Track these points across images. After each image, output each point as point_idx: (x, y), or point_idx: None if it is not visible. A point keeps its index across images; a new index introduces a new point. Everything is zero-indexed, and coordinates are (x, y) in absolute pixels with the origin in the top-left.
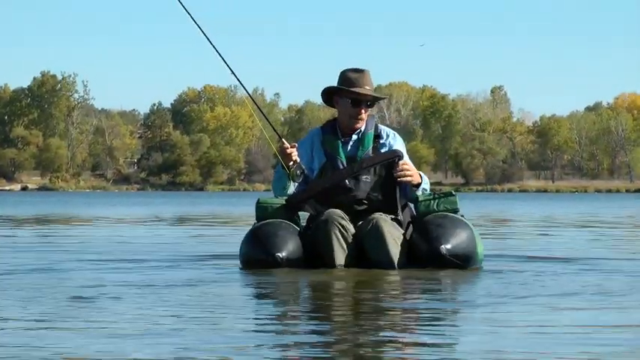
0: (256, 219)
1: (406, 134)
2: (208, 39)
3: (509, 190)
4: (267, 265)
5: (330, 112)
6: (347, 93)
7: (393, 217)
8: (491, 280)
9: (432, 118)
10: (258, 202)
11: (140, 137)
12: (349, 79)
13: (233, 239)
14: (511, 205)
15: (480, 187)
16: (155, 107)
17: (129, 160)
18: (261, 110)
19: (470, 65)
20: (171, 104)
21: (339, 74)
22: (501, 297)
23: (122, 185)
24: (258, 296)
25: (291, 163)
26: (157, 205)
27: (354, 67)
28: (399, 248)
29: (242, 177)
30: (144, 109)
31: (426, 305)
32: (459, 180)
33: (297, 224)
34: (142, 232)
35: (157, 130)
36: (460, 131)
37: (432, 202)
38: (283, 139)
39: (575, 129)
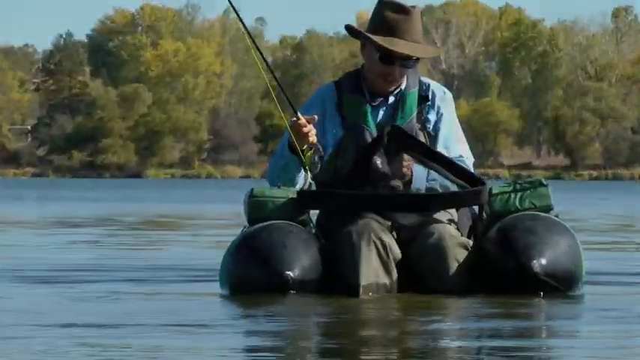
0: (249, 221)
1: (474, 85)
2: None
3: None
4: (272, 287)
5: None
6: (375, 44)
7: (449, 218)
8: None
9: (516, 58)
10: (251, 196)
11: (37, 90)
12: (386, 22)
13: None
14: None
15: (594, 172)
16: (62, 41)
17: (18, 127)
18: (267, 65)
19: None
20: (88, 36)
21: (375, 4)
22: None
23: (7, 169)
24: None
25: (306, 146)
26: (68, 200)
27: None
28: (462, 269)
29: (204, 156)
30: (43, 44)
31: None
32: (561, 160)
33: (311, 227)
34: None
35: (65, 79)
36: (562, 80)
37: (513, 195)
38: (298, 113)
39: None
